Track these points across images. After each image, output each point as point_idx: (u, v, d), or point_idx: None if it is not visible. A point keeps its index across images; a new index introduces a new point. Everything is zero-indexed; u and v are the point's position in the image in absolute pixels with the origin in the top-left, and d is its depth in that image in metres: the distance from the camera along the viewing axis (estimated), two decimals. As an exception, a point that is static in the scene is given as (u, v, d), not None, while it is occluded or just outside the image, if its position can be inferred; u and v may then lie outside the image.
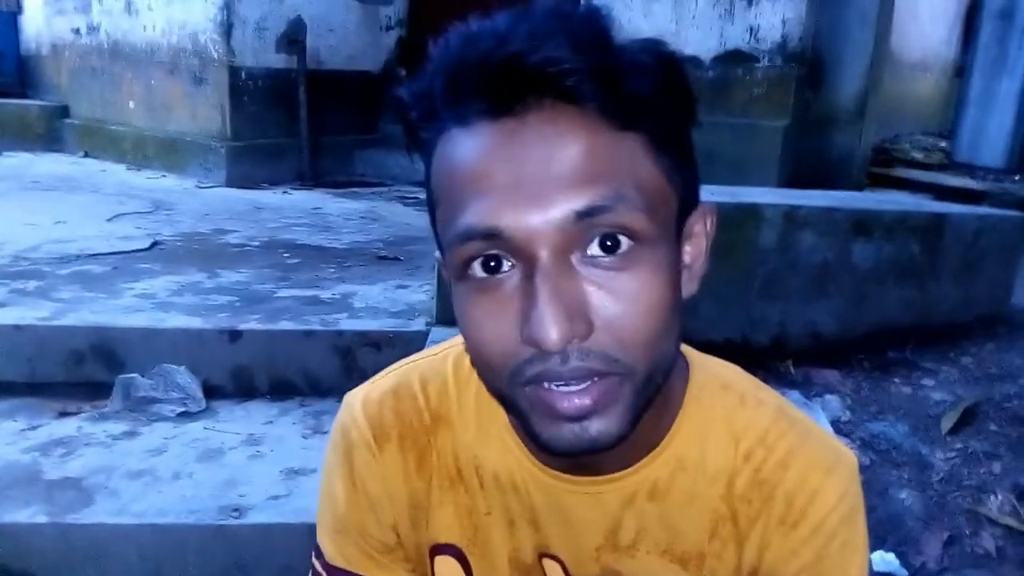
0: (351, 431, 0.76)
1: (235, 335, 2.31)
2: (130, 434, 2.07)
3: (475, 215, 0.55)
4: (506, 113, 0.55)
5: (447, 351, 0.79)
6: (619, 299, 0.55)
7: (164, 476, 1.88)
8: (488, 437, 0.73)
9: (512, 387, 0.58)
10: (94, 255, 3.01)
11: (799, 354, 2.50)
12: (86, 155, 5.58)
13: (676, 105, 0.60)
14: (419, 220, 3.93)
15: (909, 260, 2.66)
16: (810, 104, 4.73)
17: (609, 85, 0.55)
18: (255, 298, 2.60)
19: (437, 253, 0.68)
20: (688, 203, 0.62)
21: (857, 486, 0.72)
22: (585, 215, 0.54)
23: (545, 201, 0.54)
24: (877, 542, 1.83)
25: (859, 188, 4.75)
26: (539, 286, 0.54)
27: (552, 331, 0.53)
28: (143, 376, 2.21)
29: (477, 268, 0.57)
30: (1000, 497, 1.98)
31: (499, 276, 0.57)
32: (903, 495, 1.98)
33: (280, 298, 2.61)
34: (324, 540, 0.81)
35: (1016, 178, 5.72)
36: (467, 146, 0.57)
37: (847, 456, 0.73)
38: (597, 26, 0.56)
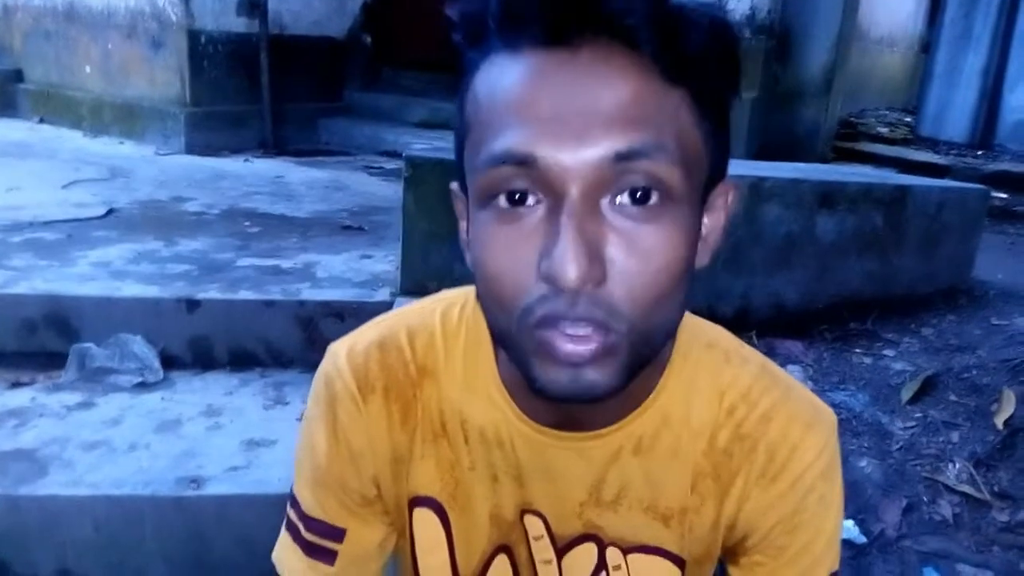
0: (335, 382, 0.75)
1: (193, 304, 2.26)
2: (85, 405, 2.02)
3: (512, 140, 0.54)
4: (560, 44, 0.55)
5: (435, 304, 0.78)
6: (637, 252, 0.55)
7: (120, 447, 1.84)
8: (475, 391, 0.73)
9: (519, 327, 0.57)
10: (48, 223, 2.92)
11: (762, 325, 2.51)
12: (41, 121, 5.42)
13: (724, 70, 0.59)
14: (385, 190, 3.87)
15: (872, 232, 2.68)
16: (778, 77, 4.74)
17: (666, 35, 0.54)
18: (214, 267, 2.54)
19: (454, 184, 0.68)
20: (716, 174, 0.62)
21: (836, 442, 0.74)
22: (623, 157, 0.53)
23: (587, 137, 0.53)
24: (843, 503, 1.86)
25: (824, 162, 4.78)
26: (564, 223, 0.53)
27: (571, 268, 0.52)
28: (98, 346, 2.16)
29: (502, 198, 0.56)
30: (958, 465, 2.01)
31: (524, 208, 0.56)
32: (863, 463, 2.00)
33: (240, 267, 2.56)
34: (302, 491, 0.79)
35: (979, 153, 5.79)
36: (513, 71, 0.56)
37: (827, 413, 0.75)
38: None
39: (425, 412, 0.74)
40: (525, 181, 0.55)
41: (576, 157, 0.53)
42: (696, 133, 0.57)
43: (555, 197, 0.55)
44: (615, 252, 0.55)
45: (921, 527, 1.86)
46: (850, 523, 1.82)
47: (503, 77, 0.56)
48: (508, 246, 0.56)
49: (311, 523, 0.79)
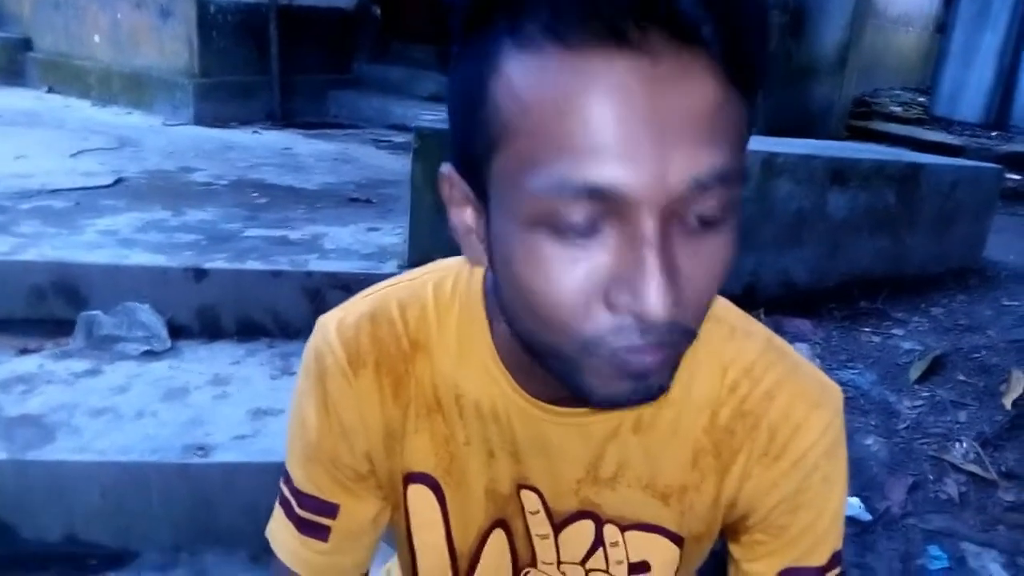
0: (325, 356, 0.72)
1: (200, 274, 2.25)
2: (93, 372, 2.03)
3: (585, 166, 0.47)
4: (630, 44, 0.46)
5: (427, 276, 0.75)
6: (704, 266, 0.52)
7: (127, 414, 1.84)
8: (470, 366, 0.70)
9: (580, 353, 0.53)
10: (56, 191, 2.92)
11: (771, 303, 2.50)
12: (50, 90, 5.41)
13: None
14: (393, 163, 3.86)
15: (884, 210, 2.66)
16: (791, 54, 4.69)
17: (734, 35, 0.48)
18: (222, 237, 2.54)
19: (446, 167, 0.61)
20: None
21: (841, 421, 0.72)
22: (705, 185, 0.49)
23: (673, 164, 0.47)
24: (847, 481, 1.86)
25: (837, 140, 4.74)
26: (647, 256, 0.49)
27: (660, 306, 0.49)
28: (106, 314, 2.16)
29: (563, 220, 0.49)
30: (965, 445, 2.00)
31: (589, 231, 0.50)
32: (869, 441, 2.00)
33: (248, 238, 2.56)
34: (294, 467, 0.78)
35: (994, 133, 5.73)
36: (575, 75, 0.47)
37: (833, 390, 0.72)
38: None
39: (418, 386, 0.72)
40: (594, 207, 0.49)
41: (660, 184, 0.48)
42: (746, 132, 0.53)
43: (629, 222, 0.49)
44: (687, 271, 0.51)
45: (926, 505, 1.86)
46: (855, 501, 1.82)
47: (562, 79, 0.48)
48: (569, 274, 0.51)
49: (304, 499, 0.77)
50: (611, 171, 0.47)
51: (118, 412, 1.85)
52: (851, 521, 1.78)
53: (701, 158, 0.48)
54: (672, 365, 0.56)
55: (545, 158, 0.49)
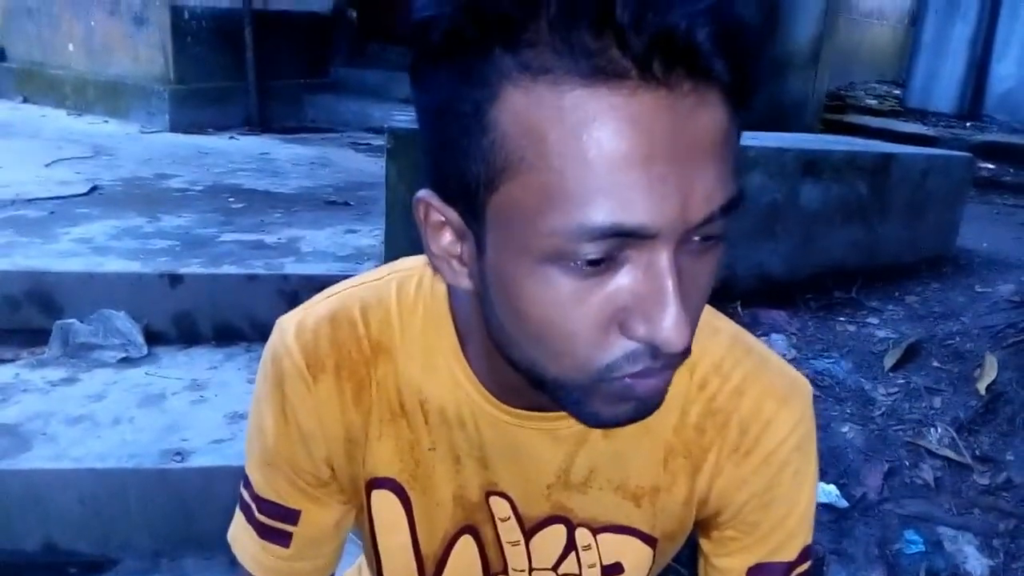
0: (283, 360, 0.70)
1: (176, 279, 2.25)
2: (69, 380, 2.02)
3: (616, 208, 0.46)
4: (653, 79, 0.45)
5: (390, 276, 0.72)
6: (701, 286, 0.53)
7: (104, 422, 1.84)
8: (435, 370, 0.69)
9: (591, 380, 0.53)
10: (30, 200, 2.90)
11: (747, 295, 2.51)
12: (25, 100, 5.37)
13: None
14: (371, 166, 3.85)
15: (857, 201, 2.68)
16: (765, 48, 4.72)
17: (742, 64, 0.47)
18: (197, 242, 2.53)
19: (424, 192, 0.57)
20: None
21: (811, 415, 0.71)
22: (716, 217, 0.49)
23: (693, 198, 0.47)
24: (819, 474, 1.87)
25: (812, 133, 4.77)
26: (665, 285, 0.48)
27: (679, 336, 0.49)
28: (82, 322, 2.15)
29: (581, 258, 0.48)
30: (940, 430, 2.03)
31: (606, 266, 0.49)
32: (845, 429, 2.02)
33: (223, 242, 2.55)
34: (253, 471, 0.76)
35: (967, 124, 5.79)
36: (600, 109, 0.45)
37: (802, 384, 0.72)
38: None
39: (381, 391, 0.70)
40: (619, 244, 0.48)
41: (682, 219, 0.47)
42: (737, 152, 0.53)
43: (648, 254, 0.49)
44: (691, 292, 0.51)
45: (903, 491, 1.88)
46: (832, 487, 1.84)
47: (588, 115, 0.45)
48: (585, 303, 0.50)
49: (263, 504, 0.76)
50: (639, 210, 0.46)
51: (95, 419, 1.84)
52: (828, 508, 1.80)
53: (719, 189, 0.48)
54: (668, 381, 0.56)
55: (566, 196, 0.47)
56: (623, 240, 0.47)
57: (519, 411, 0.67)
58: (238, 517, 0.79)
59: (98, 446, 1.75)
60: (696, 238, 0.50)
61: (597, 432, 0.68)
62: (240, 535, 0.78)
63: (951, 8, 5.92)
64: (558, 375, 0.54)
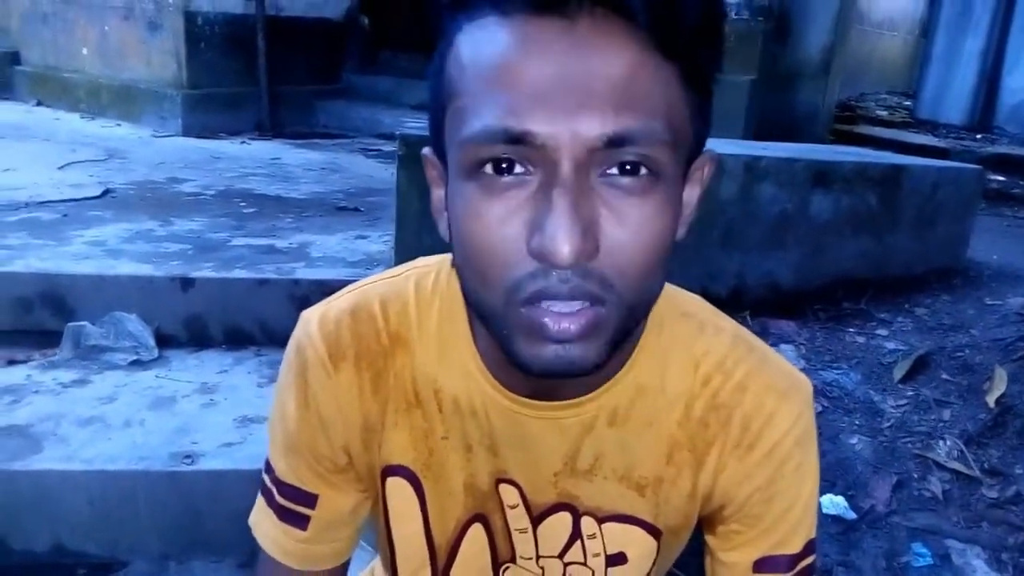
0: (306, 349, 0.74)
1: (187, 283, 2.26)
2: (80, 382, 2.03)
3: (505, 114, 0.52)
4: (556, 11, 0.52)
5: (409, 272, 0.76)
6: (628, 226, 0.54)
7: (115, 424, 1.85)
8: (449, 361, 0.72)
9: (505, 304, 0.56)
10: (44, 202, 2.93)
11: (757, 305, 2.51)
12: (39, 103, 5.41)
13: (713, 44, 0.58)
14: (381, 172, 3.87)
15: (867, 212, 2.68)
16: (776, 59, 4.72)
17: (663, 8, 0.52)
18: (209, 246, 2.55)
19: (426, 149, 0.66)
20: (698, 146, 0.62)
21: (811, 411, 0.74)
22: (616, 142, 0.52)
23: (583, 115, 0.51)
24: (827, 486, 1.87)
25: (822, 144, 4.77)
26: (557, 199, 0.52)
27: (566, 247, 0.51)
28: (93, 324, 2.16)
29: (489, 167, 0.54)
30: (949, 443, 2.02)
31: (512, 179, 0.54)
32: (854, 440, 2.01)
33: (235, 247, 2.56)
34: (275, 457, 0.79)
35: (978, 136, 5.78)
36: (505, 37, 0.53)
37: (802, 381, 0.74)
38: None
39: (397, 381, 0.73)
40: (515, 154, 0.53)
41: (571, 134, 0.52)
42: (683, 109, 0.57)
43: (546, 170, 0.53)
44: (606, 226, 0.54)
45: (911, 503, 1.87)
46: (840, 499, 1.84)
47: (494, 43, 0.54)
48: (495, 219, 0.55)
49: (284, 488, 0.79)
50: (528, 116, 0.52)
51: (106, 421, 1.85)
52: (836, 520, 1.80)
53: (616, 115, 0.52)
54: (600, 337, 0.57)
55: (475, 110, 0.54)
56: (521, 150, 0.53)
57: (527, 400, 0.70)
58: (259, 502, 0.82)
59: (108, 448, 1.76)
60: (612, 170, 0.54)
61: (602, 421, 0.71)
62: (261, 519, 0.81)
63: (962, 20, 5.92)
64: (484, 301, 0.58)
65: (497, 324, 0.58)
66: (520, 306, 0.55)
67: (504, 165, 0.54)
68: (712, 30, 0.57)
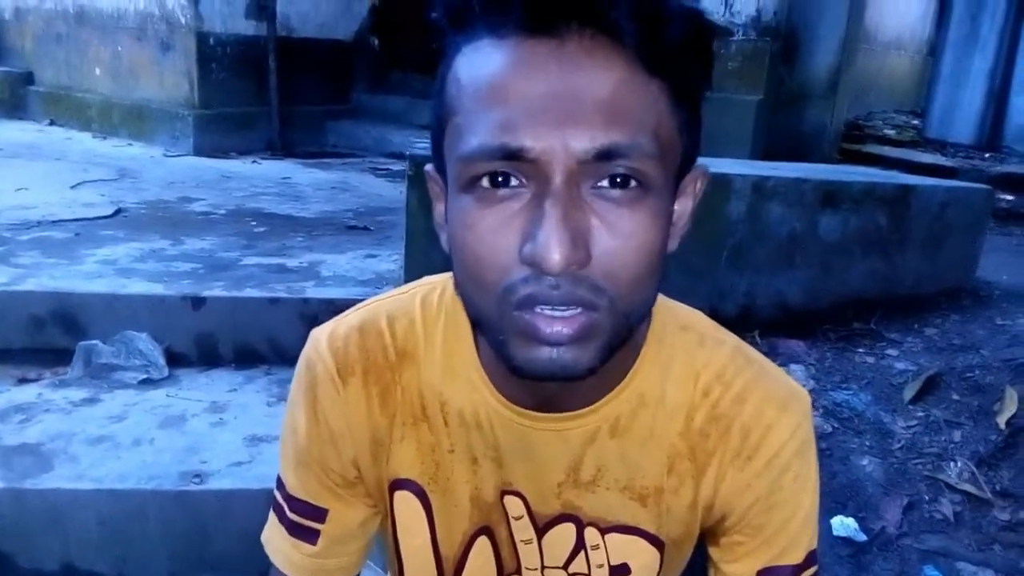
0: (316, 365, 0.76)
1: (198, 302, 2.28)
2: (91, 401, 2.04)
3: (500, 131, 0.55)
4: (546, 32, 0.55)
5: (415, 290, 0.79)
6: (618, 236, 0.57)
7: (124, 442, 1.85)
8: (454, 375, 0.74)
9: (499, 308, 0.58)
10: (56, 221, 2.95)
11: (766, 324, 2.51)
12: (52, 123, 5.47)
13: (701, 62, 0.61)
14: (391, 191, 3.89)
15: (876, 232, 2.68)
16: (783, 79, 4.73)
17: (649, 28, 0.56)
18: (220, 265, 2.56)
19: (428, 166, 0.69)
20: (688, 161, 0.64)
21: (809, 422, 0.75)
22: (605, 155, 0.55)
23: (572, 129, 0.54)
24: (837, 507, 1.86)
25: (830, 163, 4.77)
26: (549, 209, 0.54)
27: (556, 254, 0.53)
28: (104, 343, 2.18)
29: (485, 181, 0.57)
30: (960, 464, 2.01)
31: (506, 191, 0.57)
32: (864, 462, 2.00)
33: (245, 266, 2.58)
34: (286, 472, 0.81)
35: (986, 155, 5.77)
36: (498, 58, 0.56)
37: (800, 393, 0.76)
38: None
39: (405, 396, 0.75)
40: (510, 168, 0.56)
41: (563, 148, 0.54)
42: (672, 123, 0.59)
43: (539, 183, 0.56)
44: (598, 235, 0.56)
45: (922, 525, 1.86)
46: (851, 520, 1.82)
47: (488, 63, 0.57)
48: (490, 229, 0.57)
49: (294, 503, 0.80)
50: (522, 133, 0.54)
51: (116, 440, 1.86)
52: (847, 542, 1.79)
53: (604, 130, 0.54)
54: (593, 342, 0.58)
55: (472, 127, 0.57)
56: (515, 164, 0.55)
57: (530, 412, 0.72)
58: (271, 518, 0.84)
59: (118, 467, 1.76)
60: (603, 182, 0.56)
61: (604, 432, 0.73)
62: (273, 535, 0.83)
63: (970, 39, 5.92)
64: (480, 307, 0.60)
65: (492, 329, 0.60)
66: (513, 309, 0.57)
67: (500, 179, 0.57)
68: (698, 48, 0.60)
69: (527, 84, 0.55)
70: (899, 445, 2.08)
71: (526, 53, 0.56)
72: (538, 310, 0.57)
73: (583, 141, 0.54)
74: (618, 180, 0.56)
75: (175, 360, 2.23)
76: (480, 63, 0.57)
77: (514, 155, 0.55)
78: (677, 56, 0.57)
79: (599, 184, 0.56)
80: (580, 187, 0.56)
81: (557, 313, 0.57)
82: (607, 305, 0.57)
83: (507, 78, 0.56)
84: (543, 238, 0.54)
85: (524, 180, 0.56)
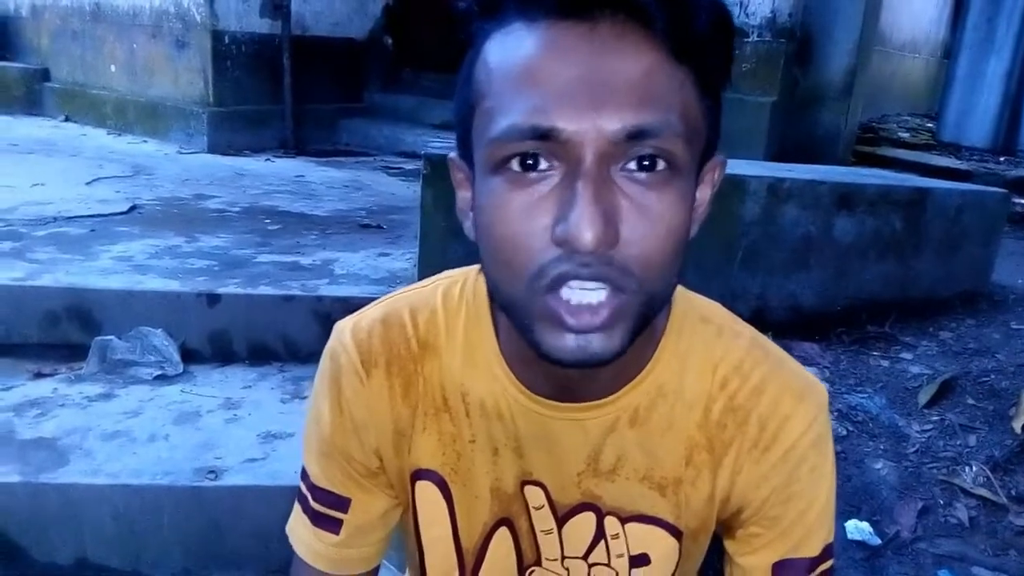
0: (340, 356, 0.77)
1: (213, 299, 2.28)
2: (106, 396, 2.05)
3: (532, 112, 0.56)
4: (578, 16, 0.56)
5: (437, 283, 0.80)
6: (646, 217, 0.57)
7: (139, 438, 1.86)
8: (475, 366, 0.75)
9: (529, 291, 0.59)
10: (71, 217, 2.97)
11: (779, 327, 2.49)
12: (67, 119, 5.50)
13: (723, 51, 0.62)
14: (404, 190, 3.90)
15: (891, 235, 2.67)
16: (798, 81, 4.71)
17: (678, 15, 0.57)
18: (234, 263, 2.57)
19: (452, 155, 0.70)
20: (710, 149, 0.65)
21: (826, 414, 0.76)
22: (635, 135, 0.56)
23: (604, 111, 0.55)
24: (852, 511, 1.85)
25: (844, 166, 4.75)
26: (581, 189, 0.55)
27: (588, 232, 0.54)
28: (120, 338, 2.19)
29: (515, 163, 0.58)
30: (975, 468, 1.99)
31: (536, 174, 0.58)
32: (879, 466, 1.99)
33: (260, 263, 2.59)
34: (310, 462, 0.83)
35: (1002, 159, 5.73)
36: (530, 42, 0.57)
37: (817, 385, 0.76)
38: None
39: (426, 386, 0.76)
40: (541, 149, 0.57)
41: (595, 129, 0.55)
42: (697, 109, 0.60)
43: (569, 164, 0.56)
44: (627, 216, 0.57)
45: (936, 530, 1.85)
46: (865, 524, 1.82)
47: (520, 47, 0.58)
48: (521, 211, 0.58)
49: (318, 493, 0.82)
50: (553, 114, 0.55)
51: (131, 436, 1.87)
52: (861, 545, 1.78)
53: (634, 111, 0.55)
54: (620, 327, 0.59)
55: (503, 109, 0.58)
56: (546, 145, 0.56)
57: (551, 402, 0.72)
58: (295, 509, 0.85)
59: (133, 462, 1.77)
60: (631, 164, 0.57)
61: (623, 422, 0.73)
62: (296, 525, 0.85)
63: (985, 42, 5.89)
64: (509, 291, 0.61)
65: (521, 314, 0.61)
66: (543, 293, 0.58)
67: (530, 161, 0.57)
68: (722, 40, 0.61)
69: (559, 67, 0.56)
70: (914, 449, 2.07)
71: (558, 36, 0.57)
72: (568, 291, 0.57)
73: (614, 122, 0.55)
74: (646, 163, 0.57)
75: (189, 356, 2.24)
76: (512, 47, 0.58)
77: (545, 135, 0.56)
78: (703, 45, 0.59)
79: (628, 166, 0.57)
80: (610, 169, 0.57)
81: (588, 289, 0.57)
82: (635, 287, 0.58)
83: (539, 60, 0.57)
84: (575, 217, 0.54)
85: (554, 162, 0.57)
